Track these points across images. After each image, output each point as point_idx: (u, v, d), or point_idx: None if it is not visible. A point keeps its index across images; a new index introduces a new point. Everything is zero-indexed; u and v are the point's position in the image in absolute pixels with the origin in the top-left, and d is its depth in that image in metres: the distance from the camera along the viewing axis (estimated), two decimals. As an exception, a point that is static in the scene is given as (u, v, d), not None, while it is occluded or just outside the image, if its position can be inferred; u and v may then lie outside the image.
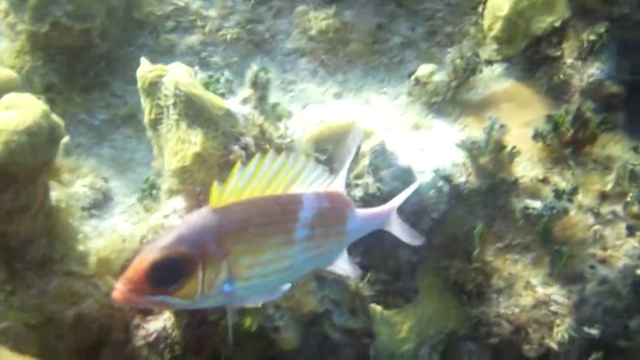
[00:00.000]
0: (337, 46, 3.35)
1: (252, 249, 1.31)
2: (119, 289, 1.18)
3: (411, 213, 2.39)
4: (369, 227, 1.61)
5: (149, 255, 1.20)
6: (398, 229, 1.69)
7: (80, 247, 2.00)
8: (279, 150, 2.04)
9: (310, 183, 1.42)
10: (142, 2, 3.11)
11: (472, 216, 2.45)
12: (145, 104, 2.07)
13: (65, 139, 1.80)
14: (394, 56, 3.30)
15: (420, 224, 2.43)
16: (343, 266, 1.57)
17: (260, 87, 2.07)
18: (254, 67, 2.06)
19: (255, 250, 1.31)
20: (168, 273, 1.20)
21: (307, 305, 2.09)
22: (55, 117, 1.71)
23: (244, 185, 1.30)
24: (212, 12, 3.28)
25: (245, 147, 1.98)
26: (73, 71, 3.00)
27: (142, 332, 2.10)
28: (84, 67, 3.01)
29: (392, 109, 3.15)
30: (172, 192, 2.03)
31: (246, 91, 2.09)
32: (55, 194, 1.97)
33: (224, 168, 1.97)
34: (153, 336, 2.10)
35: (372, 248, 2.49)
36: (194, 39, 3.30)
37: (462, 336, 2.45)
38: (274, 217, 1.34)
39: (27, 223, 1.82)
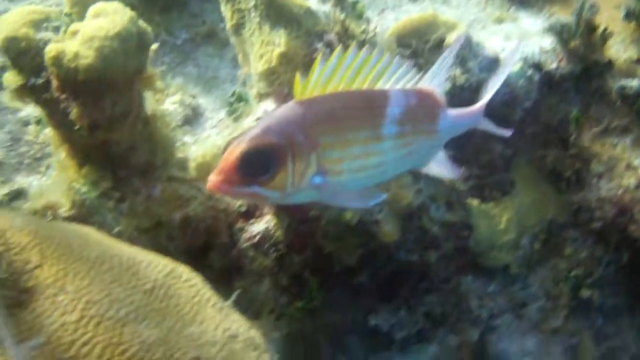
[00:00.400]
0: (413, -54, 3.29)
1: (340, 141, 1.33)
2: (212, 180, 1.24)
3: (502, 104, 2.36)
4: (462, 126, 1.61)
5: (238, 147, 1.25)
6: (488, 123, 1.70)
7: (179, 154, 2.07)
8: (361, 45, 2.04)
9: (397, 80, 1.43)
10: None
11: (566, 103, 2.40)
12: (225, 10, 2.11)
13: (154, 46, 1.85)
14: (473, -49, 3.21)
15: (512, 115, 2.40)
16: (440, 168, 1.59)
17: (340, -17, 2.06)
18: (332, -35, 2.06)
19: (343, 143, 1.33)
20: (258, 163, 1.24)
21: (404, 198, 2.11)
22: (142, 23, 1.76)
23: (328, 78, 1.32)
24: None
25: (329, 44, 1.99)
26: (152, -8, 3.05)
27: (245, 235, 2.18)
28: (161, -14, 3.06)
29: (472, 5, 3.07)
30: (261, 96, 2.07)
31: (324, -11, 2.10)
32: (149, 103, 2.05)
33: (309, 67, 1.99)
34: (257, 237, 2.18)
35: (464, 143, 2.49)
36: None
37: (563, 224, 2.43)
38: (360, 110, 1.36)
39: (127, 130, 1.90)
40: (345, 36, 2.01)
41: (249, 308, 2.17)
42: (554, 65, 2.38)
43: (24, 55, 1.78)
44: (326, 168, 1.32)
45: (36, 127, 2.45)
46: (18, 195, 2.21)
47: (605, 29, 2.35)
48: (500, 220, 2.42)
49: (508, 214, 2.43)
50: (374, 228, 2.05)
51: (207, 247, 2.19)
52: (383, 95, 1.40)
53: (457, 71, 2.23)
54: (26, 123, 2.71)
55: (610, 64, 2.32)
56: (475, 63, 2.27)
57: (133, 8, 3.05)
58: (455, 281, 2.39)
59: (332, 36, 1.99)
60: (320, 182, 1.31)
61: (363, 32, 2.02)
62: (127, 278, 1.27)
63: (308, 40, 1.97)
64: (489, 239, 2.38)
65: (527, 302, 2.40)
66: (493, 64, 2.31)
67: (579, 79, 2.37)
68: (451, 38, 2.24)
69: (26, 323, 1.12)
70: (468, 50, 2.25)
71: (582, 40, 2.33)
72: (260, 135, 1.27)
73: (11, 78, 1.83)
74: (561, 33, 2.32)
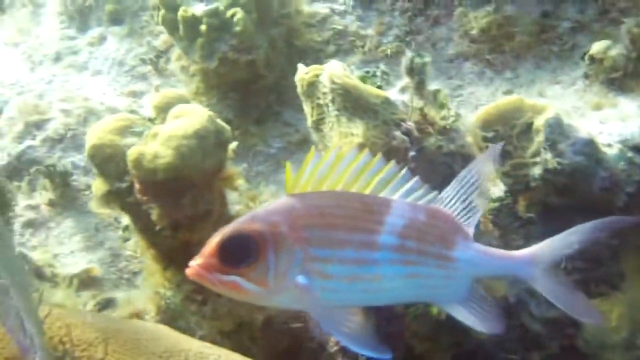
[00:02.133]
0: (502, 43, 3.29)
1: (329, 239, 1.25)
2: (192, 265, 1.22)
3: (601, 190, 2.26)
4: (495, 267, 1.39)
5: (221, 233, 1.24)
6: (548, 287, 1.41)
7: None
8: (442, 133, 2.02)
9: (403, 194, 1.33)
10: (301, 30, 3.24)
11: (671, 185, 2.26)
12: (306, 107, 2.14)
13: (234, 145, 1.88)
14: (565, 43, 3.18)
15: (614, 201, 2.29)
16: (473, 316, 1.38)
17: (417, 73, 2.07)
18: (409, 53, 2.07)
19: (333, 242, 1.25)
20: (238, 249, 1.21)
21: (497, 290, 2.01)
22: (220, 122, 1.80)
23: (323, 176, 1.27)
24: (370, 31, 3.35)
25: (407, 133, 1.98)
26: (246, 105, 3.18)
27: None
28: (256, 101, 3.18)
29: (569, 95, 3.03)
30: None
31: (404, 79, 2.11)
32: (237, 207, 2.07)
33: (389, 155, 1.97)
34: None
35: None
36: (355, 59, 3.39)
37: (681, 317, 2.25)
38: (355, 212, 1.28)
39: (209, 230, 1.91)
40: (425, 123, 1.99)
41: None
42: (655, 146, 2.27)
43: (109, 162, 1.85)
44: (312, 268, 1.24)
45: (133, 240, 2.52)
46: (107, 304, 2.25)
47: None
48: (610, 317, 2.26)
49: (619, 310, 2.27)
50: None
51: (295, 352, 2.14)
52: (384, 203, 1.31)
53: (548, 155, 2.16)
54: (127, 239, 2.81)
55: None
56: (567, 146, 2.19)
57: (229, 122, 3.19)
58: (568, 388, 2.23)
59: (410, 124, 1.98)
60: (306, 282, 1.24)
61: (443, 118, 2.00)
62: (195, 372, 1.24)
63: (386, 129, 1.97)
64: (598, 338, 2.22)
65: (647, 407, 2.20)
66: (588, 146, 2.22)
67: (684, 157, 2.25)
68: (539, 122, 2.18)
69: (89, 419, 1.10)
70: (559, 133, 2.18)
71: (685, 117, 2.23)
72: (243, 222, 1.25)
73: (98, 185, 1.90)
74: (658, 110, 2.23)
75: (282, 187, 3.09)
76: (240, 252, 1.21)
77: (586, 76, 2.91)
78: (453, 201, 1.37)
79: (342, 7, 3.39)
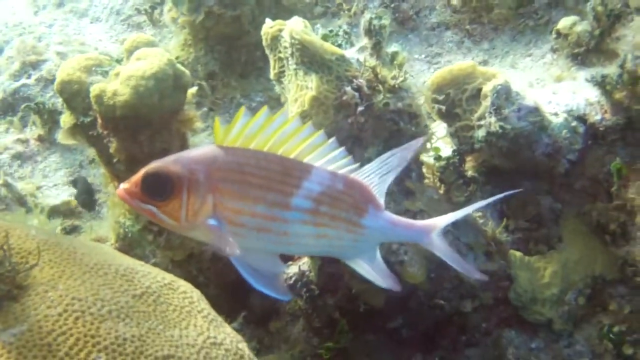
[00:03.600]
0: (481, 14, 3.37)
1: (241, 193, 1.35)
2: (120, 189, 1.34)
3: (545, 155, 2.34)
4: (399, 234, 1.51)
5: (147, 168, 1.35)
6: (442, 251, 1.52)
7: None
8: (392, 91, 2.11)
9: (326, 162, 1.41)
10: (290, -11, 3.32)
11: (612, 155, 2.35)
12: (270, 59, 2.23)
13: (193, 89, 1.98)
14: (540, 17, 3.26)
15: (556, 167, 2.38)
16: (373, 272, 1.49)
17: (375, 34, 2.15)
18: (368, 15, 2.15)
19: (245, 197, 1.35)
20: (155, 185, 1.32)
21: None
22: (180, 67, 1.90)
23: (252, 134, 1.35)
24: (357, -5, 3.43)
25: (357, 89, 2.07)
26: (231, 60, 3.27)
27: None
28: (240, 56, 3.27)
29: (537, 68, 3.12)
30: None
31: (363, 40, 2.19)
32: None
33: (339, 110, 2.07)
34: (292, 279, 2.24)
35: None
36: (341, 22, 3.48)
37: (610, 280, 2.35)
38: (273, 174, 1.37)
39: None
40: (376, 82, 2.08)
41: (280, 349, 2.21)
42: (598, 117, 2.35)
43: (76, 96, 1.96)
44: (224, 215, 1.34)
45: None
46: (73, 230, 2.37)
47: (654, 79, 2.31)
48: (544, 274, 2.36)
49: (553, 268, 2.37)
50: (398, 268, 2.05)
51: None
52: (304, 168, 1.39)
53: (492, 119, 2.24)
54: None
55: (655, 114, 2.27)
56: (512, 112, 2.27)
57: (213, 75, 3.31)
58: (496, 334, 2.34)
59: (361, 81, 2.06)
60: (216, 224, 1.34)
61: (393, 77, 2.08)
62: (119, 283, 1.36)
63: (338, 84, 2.05)
64: (530, 292, 2.33)
65: (572, 359, 2.31)
66: (533, 113, 2.30)
67: (625, 130, 2.33)
68: (487, 88, 2.27)
69: (14, 314, 1.22)
70: (505, 99, 2.26)
71: (627, 92, 2.30)
72: (167, 162, 1.35)
73: (66, 118, 2.01)
74: (603, 84, 2.30)
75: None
76: (158, 188, 1.33)
77: (553, 50, 2.99)
78: (372, 175, 1.47)
79: (333, -29, 3.47)
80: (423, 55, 3.43)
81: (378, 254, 1.52)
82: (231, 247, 1.35)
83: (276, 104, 3.25)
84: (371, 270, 1.50)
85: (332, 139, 1.43)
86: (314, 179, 1.40)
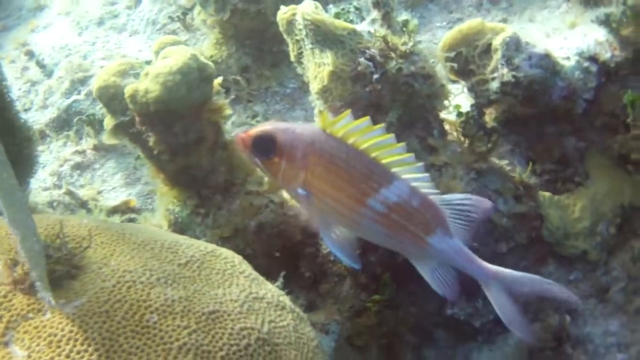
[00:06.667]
0: (500, -26, 3.38)
1: (327, 178, 1.52)
2: (239, 136, 1.54)
3: (561, 99, 2.38)
4: (460, 264, 1.60)
5: (262, 128, 1.54)
6: (497, 301, 1.59)
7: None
8: (403, 57, 2.17)
9: (410, 180, 1.54)
10: (306, -23, 3.38)
11: (626, 89, 2.35)
12: (289, 44, 2.31)
13: (219, 79, 2.08)
14: (557, -31, 3.25)
15: (574, 108, 2.40)
16: (437, 279, 1.61)
17: (383, 5, 2.21)
18: (373, -12, 2.21)
19: (330, 184, 1.52)
20: (262, 146, 1.52)
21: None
22: (203, 60, 2.00)
23: (353, 133, 1.50)
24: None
25: (370, 59, 2.14)
26: (261, 51, 3.36)
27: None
28: (270, 47, 3.35)
29: (554, 18, 3.12)
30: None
31: (372, 13, 2.25)
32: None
33: (356, 80, 2.14)
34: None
35: (533, 141, 2.51)
36: (361, 2, 3.52)
37: (638, 207, 2.37)
38: (358, 172, 1.52)
39: (205, 155, 2.13)
40: (388, 49, 2.14)
41: (328, 307, 2.30)
42: (608, 55, 2.36)
43: (113, 99, 2.08)
44: (312, 189, 1.53)
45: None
46: (130, 221, 2.51)
47: (657, 12, 2.30)
48: (574, 210, 2.40)
49: (582, 203, 2.40)
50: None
51: (296, 257, 2.36)
52: (387, 177, 1.53)
53: (504, 70, 2.28)
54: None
55: (660, 43, 2.27)
56: (524, 60, 2.30)
57: (247, 68, 3.41)
58: (534, 271, 2.38)
59: (374, 51, 2.13)
60: (305, 194, 1.53)
61: (404, 43, 2.14)
62: (164, 254, 1.47)
63: (352, 57, 2.13)
64: (562, 228, 2.36)
65: (610, 285, 2.34)
66: (545, 60, 2.33)
67: (636, 63, 2.33)
68: (497, 41, 2.30)
69: (74, 290, 1.34)
70: (515, 50, 2.29)
71: (633, 27, 2.31)
72: (279, 130, 1.53)
73: (107, 121, 2.14)
74: (608, 22, 2.31)
75: (297, 121, 3.31)
76: (264, 148, 1.52)
77: (567, -1, 2.99)
78: (447, 205, 1.58)
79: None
80: (445, 22, 3.46)
81: (443, 266, 1.62)
82: (313, 218, 1.60)
83: (309, 88, 3.35)
84: (431, 274, 1.62)
85: (421, 164, 1.56)
86: (393, 189, 1.54)
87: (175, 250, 1.50)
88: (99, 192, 3.03)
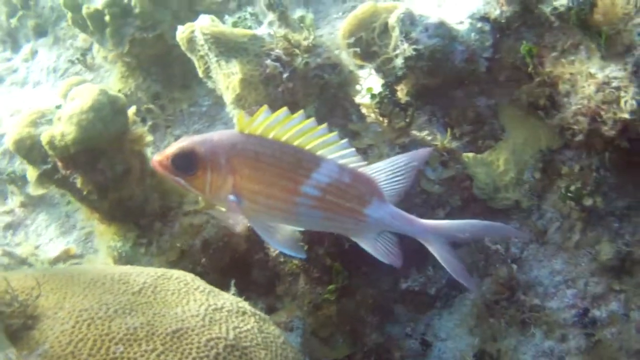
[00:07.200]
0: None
1: (256, 177, 1.51)
2: (154, 159, 1.50)
3: (463, 62, 2.46)
4: (399, 227, 1.62)
5: (178, 145, 1.50)
6: (440, 254, 1.63)
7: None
8: (308, 51, 2.21)
9: (337, 158, 1.55)
10: (200, -4, 3.40)
11: (521, 40, 2.46)
12: (194, 60, 2.32)
13: (132, 109, 2.08)
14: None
15: (477, 68, 2.50)
16: (378, 248, 1.62)
17: (276, 6, 2.25)
18: (263, -8, 2.25)
19: (259, 180, 1.51)
20: (183, 162, 1.49)
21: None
22: (112, 92, 1.99)
23: (271, 127, 1.50)
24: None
25: (277, 59, 2.17)
26: (170, 75, 3.35)
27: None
28: (177, 69, 3.35)
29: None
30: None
31: (268, 15, 2.29)
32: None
33: (268, 83, 2.17)
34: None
35: (447, 107, 2.60)
36: (257, 9, 3.56)
37: (556, 149, 2.47)
38: (286, 163, 1.52)
39: (136, 185, 2.13)
40: (291, 47, 2.18)
41: (286, 305, 2.33)
42: (497, 12, 2.46)
43: (32, 150, 2.06)
44: (242, 193, 1.51)
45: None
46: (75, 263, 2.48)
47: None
48: (498, 164, 2.49)
49: (504, 156, 2.49)
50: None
51: (248, 266, 2.37)
52: (315, 161, 1.54)
53: (405, 45, 2.35)
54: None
55: (541, -8, 2.38)
56: (422, 33, 2.38)
57: (158, 95, 3.39)
58: (474, 230, 2.46)
59: (278, 51, 2.16)
60: (236, 200, 1.51)
61: (305, 38, 2.18)
62: (117, 287, 1.47)
63: (258, 61, 2.16)
64: (491, 183, 2.45)
65: (547, 228, 2.43)
66: (441, 27, 2.42)
67: (524, 15, 2.44)
68: (392, 19, 2.37)
69: (34, 338, 1.33)
70: (410, 24, 2.37)
71: (514, -19, 2.41)
72: (195, 143, 1.50)
73: (30, 172, 2.11)
74: (491, -20, 2.41)
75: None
76: (186, 165, 1.49)
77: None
78: (378, 172, 1.59)
79: (232, -33, 3.55)
80: (341, 13, 3.53)
81: (382, 234, 1.63)
82: (236, 219, 1.67)
83: (224, 102, 3.36)
84: (374, 246, 1.63)
85: (345, 140, 1.57)
86: (323, 171, 1.54)
87: (126, 281, 1.50)
88: (37, 247, 2.97)
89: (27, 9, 3.95)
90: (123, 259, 2.17)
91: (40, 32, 4.04)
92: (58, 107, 2.11)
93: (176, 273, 1.59)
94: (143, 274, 1.54)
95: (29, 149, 2.04)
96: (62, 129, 1.91)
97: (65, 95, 2.07)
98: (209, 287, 1.57)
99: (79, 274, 1.51)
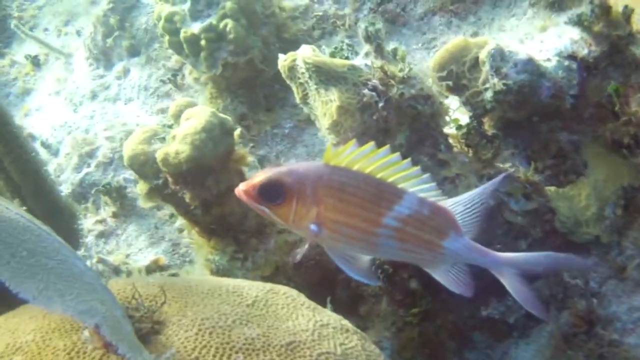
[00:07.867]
0: (462, -7, 3.54)
1: (341, 209, 1.54)
2: (239, 189, 1.55)
3: (550, 98, 2.51)
4: (474, 259, 1.65)
5: (265, 175, 1.54)
6: (512, 286, 1.64)
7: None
8: (403, 82, 2.29)
9: (418, 191, 1.57)
10: (288, 24, 3.53)
11: (608, 80, 2.50)
12: (293, 88, 2.43)
13: (238, 131, 2.19)
14: (515, -20, 3.41)
15: (562, 104, 2.54)
16: (451, 279, 1.65)
17: (373, 39, 2.34)
18: (362, 24, 2.35)
19: (344, 212, 1.54)
20: (271, 192, 1.52)
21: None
22: (221, 115, 2.11)
23: (357, 160, 1.53)
24: (346, 10, 3.62)
25: (373, 89, 2.26)
26: (255, 98, 3.48)
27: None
28: (262, 93, 3.48)
29: (523, 24, 3.27)
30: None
31: (365, 47, 2.38)
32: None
33: (364, 111, 2.26)
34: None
35: (530, 141, 2.64)
36: (339, 37, 3.67)
37: (638, 186, 2.49)
38: (370, 195, 1.55)
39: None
40: (387, 78, 2.27)
41: (375, 326, 2.40)
42: (585, 51, 2.51)
43: (144, 166, 2.18)
44: (324, 223, 1.54)
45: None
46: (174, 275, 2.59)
47: (626, 6, 2.46)
48: (580, 199, 2.52)
49: (586, 191, 2.52)
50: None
51: (330, 281, 2.45)
52: (398, 193, 1.57)
53: (495, 80, 2.41)
54: (182, 230, 3.17)
55: (631, 35, 2.42)
56: (511, 68, 2.44)
57: (244, 116, 3.52)
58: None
59: (375, 81, 2.25)
60: (316, 230, 1.55)
61: (400, 70, 2.27)
62: (232, 299, 1.56)
63: (356, 90, 2.25)
64: (573, 217, 2.48)
65: (626, 264, 2.45)
66: (529, 64, 2.47)
67: (613, 55, 2.48)
68: (483, 54, 2.44)
69: (162, 343, 1.43)
70: (500, 60, 2.43)
71: (603, 22, 2.46)
72: (283, 174, 1.54)
73: (141, 186, 2.23)
74: (580, 22, 2.46)
75: (300, 158, 3.41)
76: (273, 194, 1.52)
77: (532, 4, 3.15)
78: (456, 205, 1.63)
79: (319, -5, 3.67)
80: (420, 44, 3.60)
81: (455, 265, 1.67)
82: (327, 250, 1.61)
83: (305, 124, 3.46)
84: (446, 276, 1.67)
85: (427, 175, 1.60)
86: (405, 203, 1.57)
87: (240, 293, 1.59)
88: (127, 256, 3.11)
89: (123, 30, 4.13)
90: (220, 272, 2.27)
91: (133, 52, 4.21)
92: (170, 126, 2.24)
93: (283, 288, 1.68)
94: (253, 287, 1.63)
95: (142, 164, 2.16)
96: (177, 147, 2.03)
97: (175, 114, 2.19)
98: (313, 304, 1.66)
99: (196, 284, 1.61)
